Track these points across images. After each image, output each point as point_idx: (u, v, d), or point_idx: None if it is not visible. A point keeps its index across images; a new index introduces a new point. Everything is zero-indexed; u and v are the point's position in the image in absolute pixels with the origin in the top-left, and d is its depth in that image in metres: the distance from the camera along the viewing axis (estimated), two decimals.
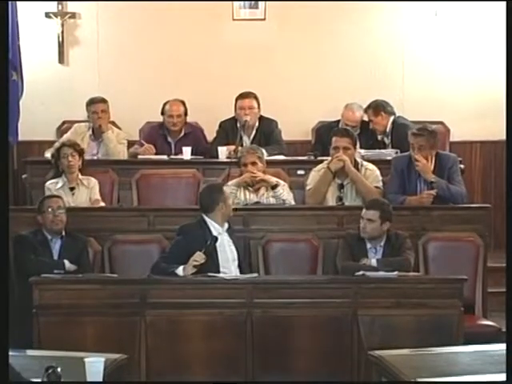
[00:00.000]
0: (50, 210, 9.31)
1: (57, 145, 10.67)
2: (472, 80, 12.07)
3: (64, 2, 12.05)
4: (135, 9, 12.03)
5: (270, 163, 10.24)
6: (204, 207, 8.91)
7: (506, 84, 5.62)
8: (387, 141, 11.44)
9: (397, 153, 10.94)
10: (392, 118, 11.56)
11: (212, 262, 8.69)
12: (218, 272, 8.70)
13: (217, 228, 8.87)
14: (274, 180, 9.97)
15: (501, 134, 12.01)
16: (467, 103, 11.96)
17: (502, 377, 5.03)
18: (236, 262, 8.94)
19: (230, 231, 8.99)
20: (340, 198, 10.11)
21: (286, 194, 10.08)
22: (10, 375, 4.48)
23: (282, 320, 8.39)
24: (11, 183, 11.57)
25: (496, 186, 12.06)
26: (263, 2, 12.16)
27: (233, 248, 8.95)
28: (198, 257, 8.61)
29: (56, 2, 12.04)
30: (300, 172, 10.60)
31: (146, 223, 9.77)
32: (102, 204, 10.33)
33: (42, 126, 11.74)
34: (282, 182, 10.19)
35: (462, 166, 10.55)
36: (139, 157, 11.41)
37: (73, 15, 12.10)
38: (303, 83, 11.89)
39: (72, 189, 10.14)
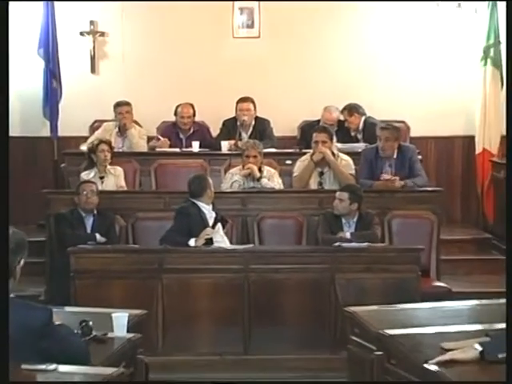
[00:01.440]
0: (84, 192, 9.37)
1: (95, 141, 10.62)
2: (428, 85, 12.05)
3: (95, 22, 12.04)
4: (153, 28, 12.06)
5: (264, 155, 10.24)
6: (195, 193, 8.96)
7: (506, 84, 5.40)
8: (359, 136, 11.46)
9: (368, 146, 10.97)
10: (363, 118, 11.57)
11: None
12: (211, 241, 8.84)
13: (207, 208, 8.96)
14: (258, 174, 9.99)
15: (451, 131, 12.14)
16: (424, 105, 11.94)
17: (452, 328, 5.04)
18: (221, 231, 9.03)
19: (214, 209, 9.04)
20: (320, 183, 10.16)
21: (274, 182, 10.13)
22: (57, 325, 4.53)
23: (273, 282, 8.42)
24: (52, 171, 11.58)
25: (447, 174, 12.08)
26: (258, 23, 12.17)
27: (220, 224, 9.02)
28: (209, 231, 8.79)
29: (88, 23, 12.02)
30: (288, 162, 10.62)
31: (163, 204, 9.80)
32: (125, 188, 10.41)
33: (77, 124, 11.72)
34: (272, 170, 10.25)
35: (420, 156, 10.60)
36: (157, 149, 11.43)
37: (102, 34, 12.11)
38: (291, 89, 11.88)
39: (102, 177, 10.15)
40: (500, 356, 4.28)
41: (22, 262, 4.31)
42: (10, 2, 11.85)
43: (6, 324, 2.30)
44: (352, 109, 11.57)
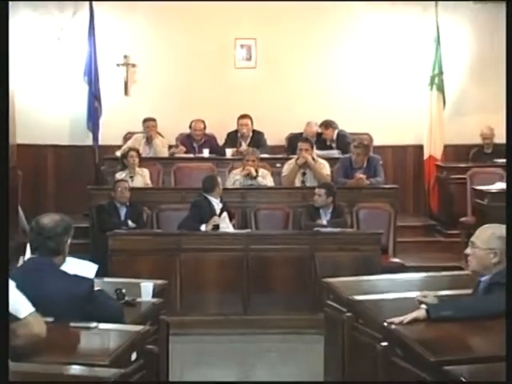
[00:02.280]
0: (119, 189, 9.40)
1: (126, 149, 10.69)
2: (387, 105, 12.02)
3: (128, 56, 12.02)
4: (173, 60, 12.03)
5: (259, 159, 10.28)
6: (207, 189, 8.99)
7: (506, 84, 5.40)
8: (333, 145, 11.44)
9: (339, 153, 11.07)
10: (336, 131, 11.54)
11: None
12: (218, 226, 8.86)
13: (215, 201, 8.98)
14: (254, 174, 9.99)
15: (405, 142, 12.15)
16: (384, 121, 11.91)
17: (406, 294, 5.02)
18: (227, 219, 8.98)
19: (223, 202, 9.04)
20: (303, 182, 10.17)
21: (267, 181, 10.15)
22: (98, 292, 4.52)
23: (266, 258, 8.44)
24: (94, 172, 11.57)
25: (401, 175, 12.04)
26: (255, 56, 12.16)
27: (225, 212, 8.99)
28: (216, 219, 8.82)
29: (123, 56, 12.02)
30: (278, 165, 10.61)
31: (180, 197, 9.77)
32: (151, 186, 10.46)
33: (113, 136, 11.69)
34: (266, 171, 10.25)
35: (381, 161, 10.61)
36: (175, 155, 11.39)
37: (133, 65, 12.07)
38: (280, 108, 11.84)
39: (132, 177, 10.14)
40: (442, 314, 4.31)
41: (68, 241, 4.30)
42: (60, 42, 11.90)
43: (6, 324, 2.04)
44: (328, 124, 11.56)
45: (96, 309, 4.03)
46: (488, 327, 4.23)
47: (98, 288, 4.60)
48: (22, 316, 3.63)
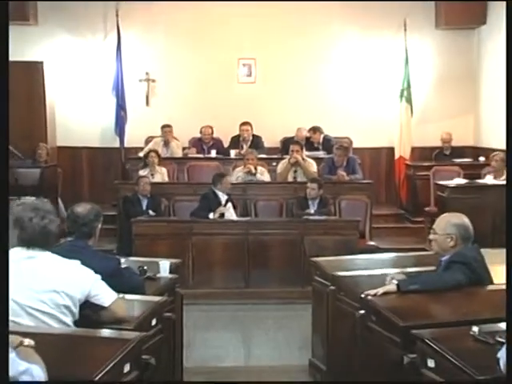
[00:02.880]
0: (141, 183, 9.36)
1: (147, 151, 10.68)
2: (365, 114, 12.01)
3: (149, 73, 12.01)
4: (185, 76, 12.02)
5: (258, 159, 10.25)
6: (214, 183, 8.99)
7: (506, 84, 4.76)
8: (320, 147, 11.40)
9: (325, 154, 11.03)
10: (322, 135, 11.51)
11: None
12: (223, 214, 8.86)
13: (221, 194, 8.95)
14: (254, 171, 10.00)
15: (379, 144, 12.14)
16: (362, 127, 11.90)
17: (380, 271, 5.02)
18: (231, 209, 8.97)
19: (228, 195, 9.02)
20: (295, 177, 10.11)
21: (264, 177, 10.14)
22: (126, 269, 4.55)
23: (263, 241, 8.44)
24: (120, 169, 11.56)
25: (376, 172, 12.02)
26: (254, 73, 12.15)
27: (230, 203, 8.99)
28: (221, 209, 8.82)
29: (144, 73, 12.01)
30: (273, 164, 10.57)
31: (192, 190, 9.71)
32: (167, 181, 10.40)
33: (136, 139, 11.68)
34: (263, 169, 10.24)
35: (359, 161, 10.61)
36: (188, 155, 11.35)
37: (153, 80, 12.07)
38: (275, 116, 11.85)
39: (152, 174, 10.11)
40: (410, 287, 4.31)
41: (99, 226, 4.30)
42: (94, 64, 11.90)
43: (6, 324, 2.10)
44: (315, 129, 11.53)
45: (122, 282, 4.03)
46: (447, 298, 4.25)
47: (125, 265, 4.63)
48: (106, 305, 3.67)
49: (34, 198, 3.86)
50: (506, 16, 5.30)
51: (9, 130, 3.10)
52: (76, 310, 3.59)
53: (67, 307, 3.55)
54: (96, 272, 3.68)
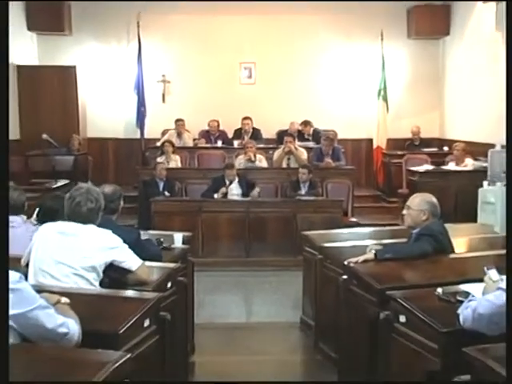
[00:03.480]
0: (158, 169, 9.34)
1: (162, 141, 10.66)
2: (348, 110, 11.99)
3: (165, 75, 11.97)
4: (196, 77, 11.96)
5: (257, 148, 10.21)
6: (223, 170, 9.00)
7: (506, 84, 4.84)
8: (310, 138, 11.36)
9: (314, 144, 10.95)
10: (312, 128, 11.46)
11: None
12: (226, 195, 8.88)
13: (228, 178, 8.94)
14: (253, 159, 9.96)
15: (360, 136, 12.09)
16: (345, 121, 11.88)
17: (360, 243, 5.00)
18: (234, 190, 8.97)
19: (239, 179, 9.01)
20: (288, 164, 10.06)
21: (262, 163, 10.08)
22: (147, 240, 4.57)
23: (262, 218, 8.44)
24: (141, 157, 11.52)
25: (357, 159, 11.96)
26: (254, 75, 12.09)
27: (238, 186, 8.98)
28: (223, 190, 8.83)
29: (161, 75, 11.97)
30: (270, 152, 10.51)
31: (202, 175, 9.70)
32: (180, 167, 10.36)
33: (154, 131, 11.62)
34: (262, 157, 10.18)
35: (343, 150, 10.57)
36: (198, 145, 11.29)
37: (168, 81, 12.01)
38: (271, 112, 11.77)
39: (168, 161, 10.05)
40: (385, 256, 4.31)
41: (121, 203, 4.36)
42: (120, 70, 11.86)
43: (6, 324, 2.03)
44: (306, 123, 11.47)
45: (143, 251, 4.03)
46: (416, 264, 4.26)
47: (146, 238, 4.64)
48: (133, 269, 3.69)
49: (87, 184, 3.97)
50: (506, 16, 5.04)
51: (8, 128, 3.09)
52: (100, 273, 3.62)
53: (95, 269, 3.57)
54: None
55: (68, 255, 3.53)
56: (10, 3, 10.56)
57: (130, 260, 3.70)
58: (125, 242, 3.73)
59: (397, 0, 11.59)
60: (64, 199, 3.75)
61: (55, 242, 3.58)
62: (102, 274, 3.60)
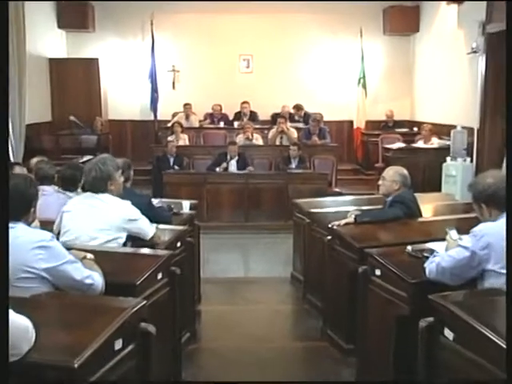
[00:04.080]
0: (169, 146, 9.28)
1: (174, 122, 10.55)
2: (332, 96, 11.91)
3: (175, 66, 11.85)
4: (201, 68, 11.82)
5: (254, 128, 10.15)
6: (228, 146, 8.97)
7: (506, 84, 4.53)
8: (301, 120, 11.26)
9: (304, 125, 10.83)
10: (303, 111, 11.36)
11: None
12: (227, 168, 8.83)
13: (229, 154, 8.87)
14: (251, 137, 9.87)
15: (342, 118, 12.03)
16: (330, 105, 11.80)
17: (342, 209, 5.00)
18: (234, 166, 8.88)
19: (239, 155, 8.94)
20: (281, 142, 10.00)
21: (259, 142, 9.98)
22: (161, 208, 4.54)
23: (258, 188, 8.41)
24: (154, 136, 11.41)
25: (340, 138, 11.80)
26: (252, 66, 11.97)
27: (235, 163, 8.90)
28: (224, 164, 8.79)
29: (171, 65, 11.84)
30: (265, 132, 10.44)
31: (207, 151, 9.63)
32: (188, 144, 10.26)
33: (166, 114, 11.55)
34: (258, 135, 10.11)
35: (328, 130, 10.46)
36: (203, 126, 11.22)
37: (178, 71, 11.88)
38: (267, 97, 11.66)
39: (178, 140, 9.93)
40: (364, 219, 4.33)
41: (131, 172, 4.29)
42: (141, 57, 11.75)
43: (7, 324, 1.92)
44: (297, 106, 11.32)
45: (155, 216, 4.03)
46: (389, 226, 4.26)
47: (160, 205, 4.63)
48: (149, 237, 3.64)
49: (105, 155, 3.85)
50: (506, 16, 4.67)
51: (8, 121, 3.06)
52: (123, 237, 3.57)
53: (117, 234, 3.55)
54: (135, 206, 3.65)
55: (94, 223, 3.49)
56: (44, 4, 10.56)
57: (146, 230, 3.65)
58: (138, 205, 3.68)
59: (374, 0, 11.49)
60: (81, 168, 3.75)
61: (84, 211, 3.53)
62: (124, 238, 3.58)
